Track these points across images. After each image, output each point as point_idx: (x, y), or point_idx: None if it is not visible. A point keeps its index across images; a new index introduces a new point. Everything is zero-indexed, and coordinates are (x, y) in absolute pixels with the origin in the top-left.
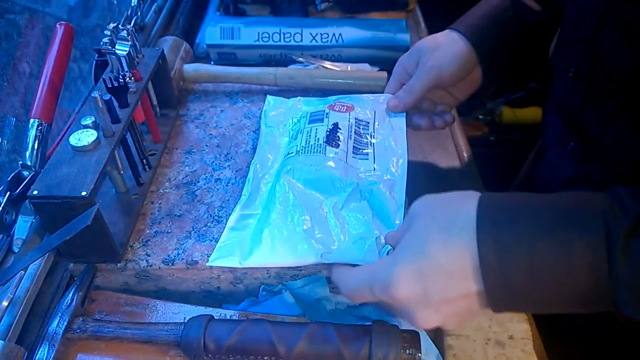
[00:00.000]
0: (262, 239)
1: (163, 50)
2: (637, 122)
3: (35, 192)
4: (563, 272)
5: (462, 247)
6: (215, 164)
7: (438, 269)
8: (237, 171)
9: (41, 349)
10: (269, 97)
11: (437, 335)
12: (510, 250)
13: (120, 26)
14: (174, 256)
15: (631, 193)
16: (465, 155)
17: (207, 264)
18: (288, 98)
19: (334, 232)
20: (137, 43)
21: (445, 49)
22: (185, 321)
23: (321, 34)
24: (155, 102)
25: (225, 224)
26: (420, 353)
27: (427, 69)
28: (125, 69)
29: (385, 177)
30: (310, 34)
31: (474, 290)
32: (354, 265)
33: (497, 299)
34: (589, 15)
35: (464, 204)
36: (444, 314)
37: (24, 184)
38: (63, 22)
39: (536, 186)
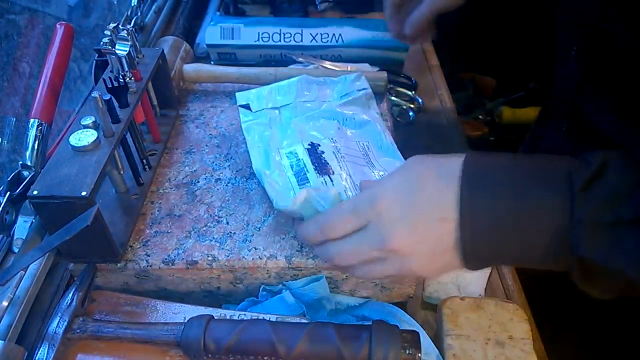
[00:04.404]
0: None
1: (163, 51)
2: (630, 107)
3: (35, 192)
4: (526, 217)
5: (447, 184)
6: (215, 164)
7: (424, 192)
8: (237, 171)
9: (41, 349)
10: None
11: (437, 335)
12: (483, 197)
13: (120, 26)
14: (174, 256)
15: (594, 153)
16: None
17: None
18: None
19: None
20: (137, 43)
21: None
22: (186, 321)
23: (321, 34)
24: (155, 102)
25: (225, 224)
26: (420, 353)
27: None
28: (126, 69)
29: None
30: (310, 34)
31: (451, 217)
32: None
33: (468, 234)
34: None
35: (452, 159)
36: (417, 236)
37: (24, 184)
38: (63, 22)
39: None
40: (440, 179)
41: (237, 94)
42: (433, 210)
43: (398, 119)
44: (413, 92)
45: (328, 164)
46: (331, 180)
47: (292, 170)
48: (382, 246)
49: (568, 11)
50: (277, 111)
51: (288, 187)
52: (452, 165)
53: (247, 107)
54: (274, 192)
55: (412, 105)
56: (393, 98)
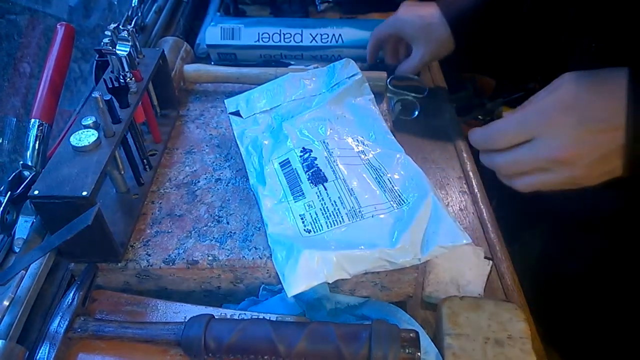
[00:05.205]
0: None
1: (163, 51)
2: None
3: (36, 192)
4: None
5: (613, 93)
6: (216, 164)
7: (591, 103)
8: (237, 171)
9: (42, 348)
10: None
11: (437, 335)
12: None
13: (120, 27)
14: (175, 256)
15: None
16: (464, 155)
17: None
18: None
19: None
20: (137, 43)
21: (437, 38)
22: (186, 320)
23: (321, 35)
24: (155, 103)
25: (226, 224)
26: (420, 352)
27: (420, 55)
28: (126, 69)
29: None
30: (310, 34)
31: (619, 123)
32: None
33: (633, 135)
34: None
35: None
36: (586, 145)
37: (24, 184)
38: (64, 23)
39: None
40: (605, 89)
41: (226, 100)
42: (602, 119)
43: (401, 116)
44: (417, 77)
45: (321, 171)
46: (325, 189)
47: (287, 182)
48: (551, 157)
49: (581, 11)
50: (268, 115)
51: (283, 206)
52: (616, 75)
53: (237, 113)
54: (267, 215)
55: (418, 94)
56: (393, 88)
